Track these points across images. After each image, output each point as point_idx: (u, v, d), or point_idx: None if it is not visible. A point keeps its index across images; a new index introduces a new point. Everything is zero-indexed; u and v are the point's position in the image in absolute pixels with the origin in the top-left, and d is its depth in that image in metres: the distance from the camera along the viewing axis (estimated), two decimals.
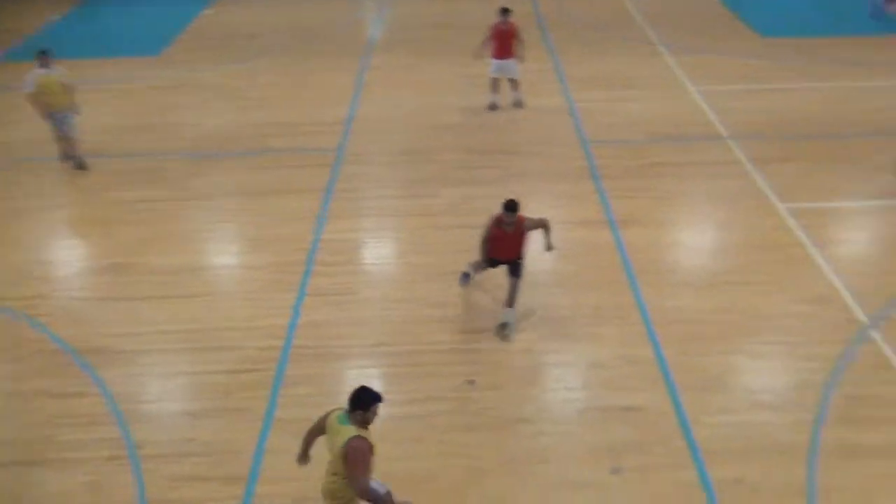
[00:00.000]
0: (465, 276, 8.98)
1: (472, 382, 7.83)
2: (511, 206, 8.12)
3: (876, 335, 8.30)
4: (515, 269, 8.48)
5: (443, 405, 7.55)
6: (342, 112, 13.86)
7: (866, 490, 6.60)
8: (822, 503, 6.49)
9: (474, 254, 9.48)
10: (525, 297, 8.93)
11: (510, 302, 8.47)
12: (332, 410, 5.58)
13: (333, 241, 10.16)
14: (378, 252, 10.10)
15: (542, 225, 8.54)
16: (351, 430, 5.32)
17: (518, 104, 13.85)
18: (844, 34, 17.18)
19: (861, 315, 8.60)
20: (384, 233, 10.48)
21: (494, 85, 13.66)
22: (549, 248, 8.69)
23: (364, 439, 5.32)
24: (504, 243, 8.36)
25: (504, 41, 13.28)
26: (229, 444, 7.20)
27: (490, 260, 8.62)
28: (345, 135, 13.04)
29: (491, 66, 13.51)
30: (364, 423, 5.40)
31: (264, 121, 13.63)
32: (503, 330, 8.46)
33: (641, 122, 13.34)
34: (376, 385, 7.69)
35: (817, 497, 6.54)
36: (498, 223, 8.28)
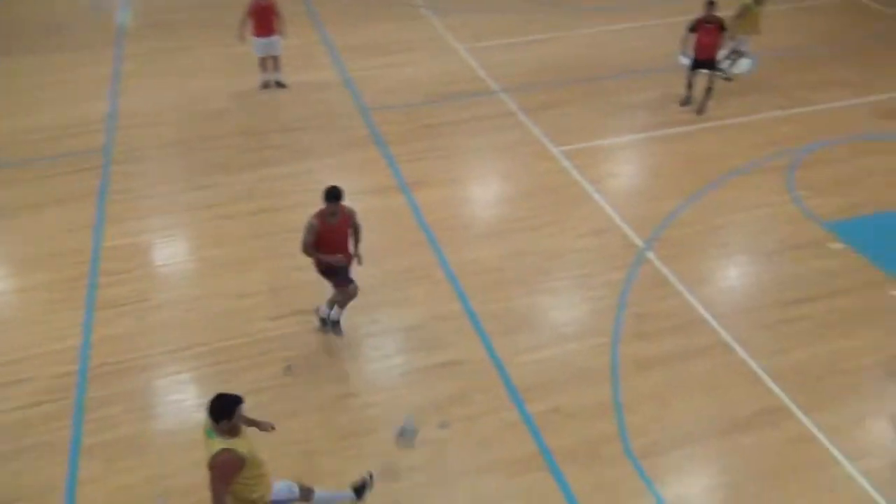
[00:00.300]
0: (324, 322, 8.10)
1: (289, 368, 7.72)
2: (333, 193, 7.16)
3: (651, 256, 9.17)
4: (342, 277, 7.69)
5: (265, 396, 7.38)
6: (102, 108, 12.83)
7: (661, 395, 7.33)
8: (628, 414, 7.13)
9: (274, 238, 9.28)
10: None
11: (342, 302, 7.90)
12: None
13: (116, 247, 9.48)
14: (168, 252, 9.57)
15: (358, 232, 7.66)
16: (217, 444, 5.04)
17: (280, 84, 13.48)
18: None
19: (637, 240, 9.45)
20: (171, 230, 9.94)
21: (263, 63, 13.26)
22: (359, 261, 7.79)
23: (230, 451, 5.03)
24: (333, 237, 7.38)
25: (264, 18, 12.86)
26: (34, 486, 6.59)
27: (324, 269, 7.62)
28: (109, 133, 12.12)
29: (254, 45, 13.08)
30: (232, 432, 5.11)
31: (15, 127, 12.32)
32: (335, 328, 8.08)
33: (417, 84, 13.59)
34: (191, 390, 7.42)
35: (623, 409, 7.17)
36: (321, 217, 7.27)
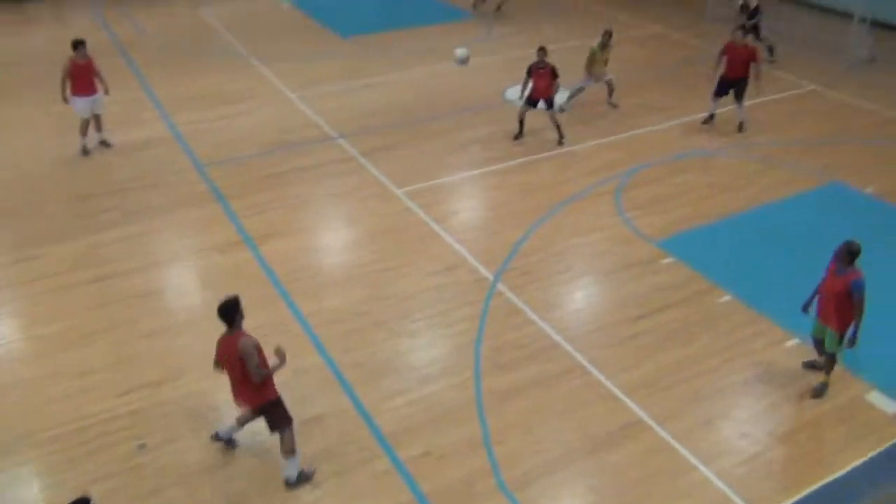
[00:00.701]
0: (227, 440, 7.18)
1: (143, 446, 7.20)
2: (225, 311, 6.35)
3: (502, 287, 9.40)
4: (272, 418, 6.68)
5: (117, 480, 6.83)
6: None
7: (527, 423, 7.47)
8: (497, 447, 7.20)
9: (115, 307, 8.75)
10: (182, 336, 8.46)
11: (288, 450, 6.71)
12: None
13: None
14: None
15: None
16: None
17: (105, 143, 12.78)
18: (412, 26, 18.91)
19: (487, 273, 9.66)
20: None
21: (84, 127, 12.45)
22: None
23: None
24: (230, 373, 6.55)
25: (84, 77, 12.15)
26: None
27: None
28: None
29: (76, 105, 12.31)
30: None
31: None
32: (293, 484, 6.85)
33: (253, 135, 13.31)
34: (34, 484, 6.75)
35: (492, 443, 7.25)
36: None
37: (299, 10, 20.40)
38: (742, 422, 7.52)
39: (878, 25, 17.73)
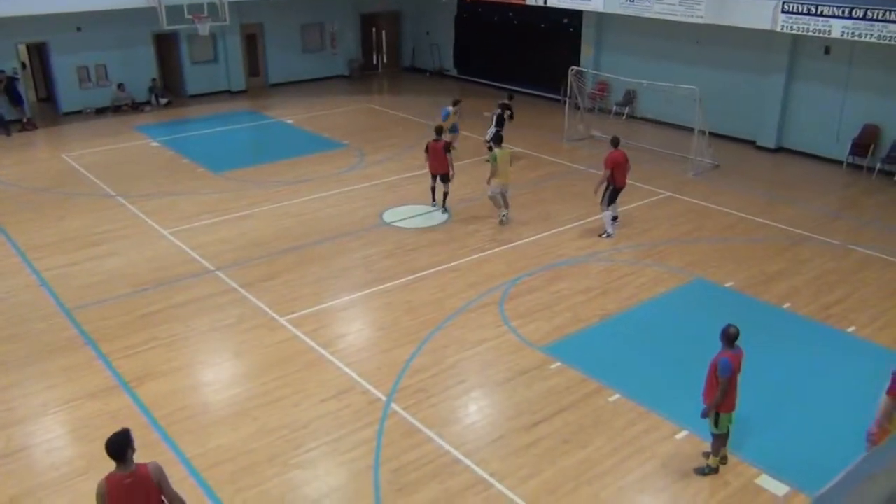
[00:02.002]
0: None
1: None
2: (117, 446, 5.76)
3: (396, 407, 9.26)
4: None
5: None
6: None
7: None
8: None
9: None
10: (52, 499, 7.75)
11: None
12: None
13: None
14: None
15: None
16: None
17: None
18: (285, 158, 19.19)
19: (379, 394, 9.51)
20: None
21: None
22: None
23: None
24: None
25: None
26: None
27: None
28: None
29: None
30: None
31: None
32: None
33: (124, 275, 12.85)
34: None
35: None
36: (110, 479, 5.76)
37: (168, 149, 20.32)
38: None
39: (716, 136, 19.58)
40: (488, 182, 14.64)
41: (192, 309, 11.69)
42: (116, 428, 8.74)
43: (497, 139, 14.85)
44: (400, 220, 15.15)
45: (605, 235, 14.28)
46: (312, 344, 10.65)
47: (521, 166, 18.71)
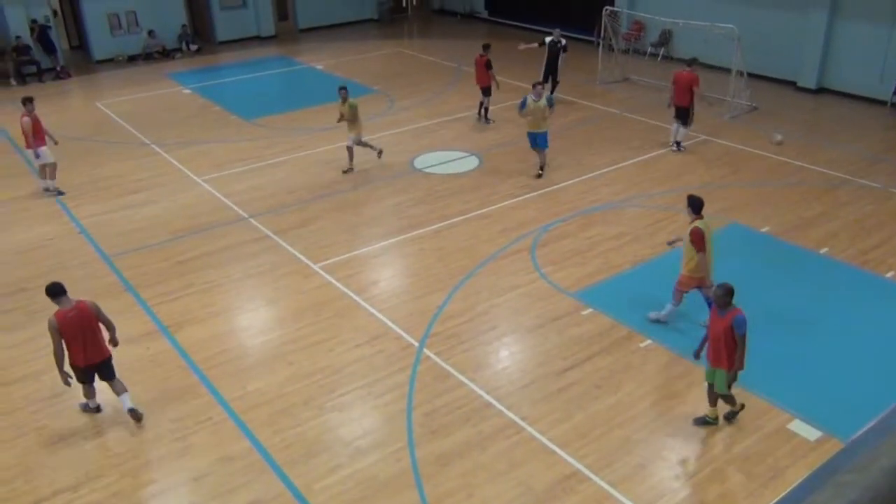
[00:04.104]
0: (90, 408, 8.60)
1: None
2: (53, 292, 7.95)
3: (428, 352, 9.38)
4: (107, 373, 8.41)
5: None
6: None
7: (467, 487, 7.39)
8: None
9: (19, 415, 8.29)
10: (96, 438, 8.04)
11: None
12: None
13: None
14: None
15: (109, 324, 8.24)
16: None
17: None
18: (315, 105, 19.13)
19: (412, 340, 9.63)
20: None
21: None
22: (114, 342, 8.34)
23: None
24: (78, 333, 8.02)
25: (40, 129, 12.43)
26: None
27: None
28: None
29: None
30: None
31: None
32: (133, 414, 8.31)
33: (160, 222, 13.05)
34: None
35: None
36: (59, 315, 7.94)
37: (200, 97, 20.37)
38: (674, 463, 7.64)
39: (755, 77, 19.05)
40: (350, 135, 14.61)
41: (226, 256, 11.87)
42: (155, 371, 9.09)
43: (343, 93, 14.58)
44: (431, 167, 15.11)
45: (674, 147, 15.49)
46: (346, 290, 10.78)
47: (554, 110, 18.44)
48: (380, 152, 15.06)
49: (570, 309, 10.22)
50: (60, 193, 14.24)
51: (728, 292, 7.45)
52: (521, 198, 13.63)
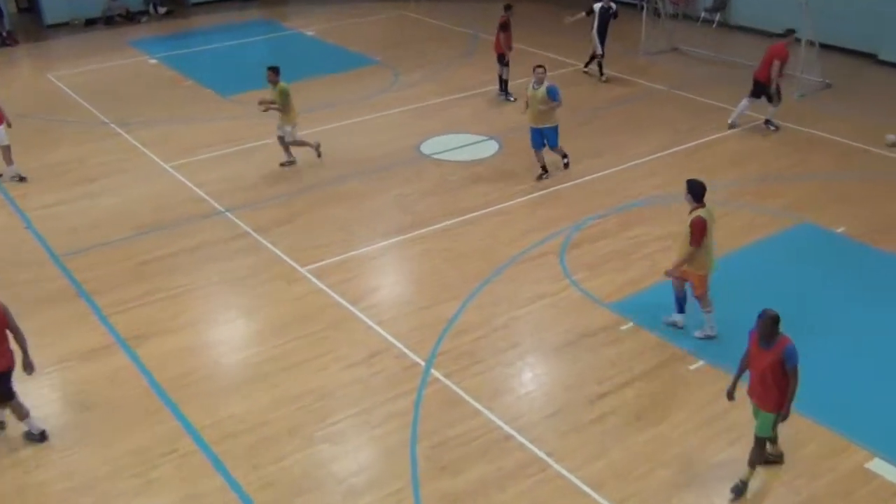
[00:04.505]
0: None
1: None
2: None
3: (437, 374, 9.31)
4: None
5: None
6: None
7: None
8: None
9: None
10: (40, 472, 8.01)
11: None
12: None
13: None
14: None
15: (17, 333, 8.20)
16: None
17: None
18: (306, 78, 19.11)
19: (417, 358, 9.56)
20: None
21: None
22: (28, 368, 8.28)
23: None
24: None
25: None
26: None
27: None
28: None
29: None
30: None
31: None
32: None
33: (121, 216, 13.05)
34: None
35: None
36: None
37: (169, 68, 20.40)
38: None
39: (828, 49, 18.88)
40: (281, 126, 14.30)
41: (198, 256, 11.84)
42: (115, 392, 9.06)
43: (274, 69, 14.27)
44: (441, 153, 15.06)
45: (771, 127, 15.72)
46: (339, 298, 10.73)
47: (587, 85, 18.38)
48: (318, 147, 14.70)
49: (606, 323, 10.12)
50: (22, 179, 14.32)
51: (775, 321, 7.13)
52: (548, 190, 13.55)
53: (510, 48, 17.07)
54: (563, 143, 13.98)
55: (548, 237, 12.08)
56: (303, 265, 11.52)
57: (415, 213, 12.91)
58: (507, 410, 8.75)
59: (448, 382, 9.17)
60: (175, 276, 11.38)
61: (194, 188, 13.88)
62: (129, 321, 10.38)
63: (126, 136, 16.15)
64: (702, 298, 9.61)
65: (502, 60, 17.19)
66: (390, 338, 9.94)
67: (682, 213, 12.59)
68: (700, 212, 9.21)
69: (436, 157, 14.92)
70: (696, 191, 9.26)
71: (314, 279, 11.19)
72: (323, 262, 11.58)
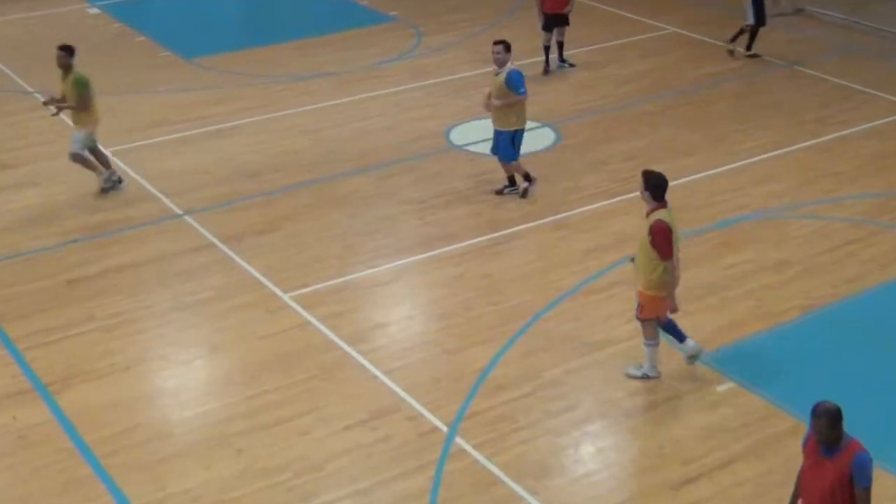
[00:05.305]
0: None
1: None
2: None
3: (464, 443, 9.26)
4: None
5: None
6: None
7: None
8: None
9: None
10: None
11: None
12: None
13: None
14: None
15: None
16: None
17: None
18: (294, 39, 19.22)
19: (436, 421, 9.50)
20: None
21: None
22: None
23: None
24: None
25: None
26: None
27: None
28: None
29: None
30: None
31: None
32: None
33: (46, 217, 13.17)
34: None
35: None
36: None
37: (115, 20, 20.57)
38: None
39: None
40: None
41: (146, 273, 11.91)
42: (25, 454, 9.07)
43: None
44: (476, 143, 15.07)
45: None
46: (332, 336, 10.73)
47: (666, 60, 18.31)
48: (112, 179, 13.86)
49: (696, 381, 10.05)
50: None
51: (835, 417, 6.78)
52: (619, 197, 13.52)
53: (570, 2, 17.06)
54: (636, 135, 13.91)
55: (619, 261, 12.02)
56: (286, 290, 11.54)
57: (438, 224, 12.91)
58: (559, 495, 8.69)
59: (479, 456, 9.12)
60: (113, 299, 11.43)
61: (143, 182, 13.97)
62: (49, 359, 10.41)
63: (52, 109, 16.26)
64: (646, 325, 9.78)
65: (560, 20, 17.18)
66: (401, 392, 9.91)
67: (801, 234, 12.59)
68: (660, 213, 9.43)
69: (469, 148, 14.92)
70: (655, 185, 9.50)
71: (300, 309, 11.20)
72: (312, 287, 11.60)
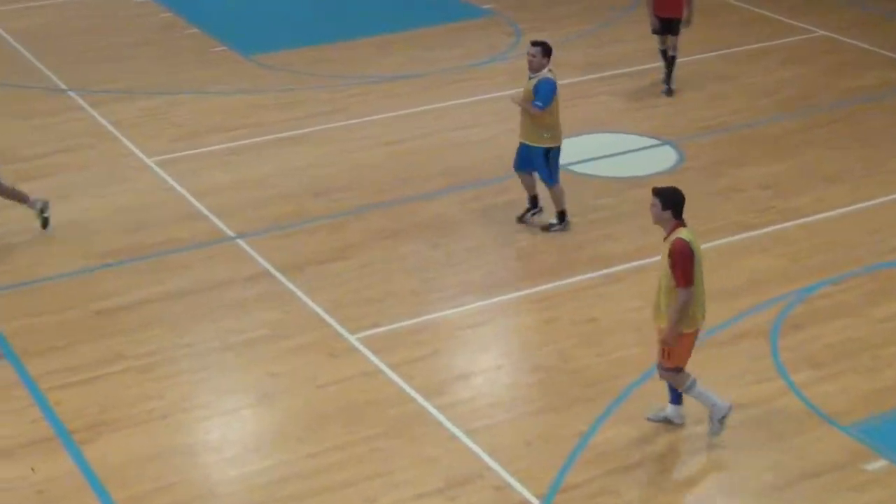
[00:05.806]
0: None
1: None
2: None
3: None
4: None
5: None
6: None
7: None
8: None
9: None
10: None
11: None
12: None
13: None
14: None
15: None
16: None
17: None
18: (362, 35, 19.38)
19: (527, 493, 9.42)
20: None
21: None
22: None
23: None
24: None
25: None
26: None
27: None
28: None
29: None
30: None
31: None
32: None
33: (75, 237, 13.35)
34: None
35: None
36: None
37: (163, 9, 20.88)
38: None
39: None
40: None
41: (189, 305, 12.03)
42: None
43: None
44: (583, 162, 15.07)
45: None
46: (406, 387, 10.73)
47: (811, 69, 18.13)
48: (41, 209, 13.55)
49: (843, 456, 9.87)
50: None
51: None
52: (755, 231, 13.41)
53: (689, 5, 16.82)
54: (773, 158, 13.71)
55: (752, 309, 11.91)
56: (352, 330, 11.58)
57: (536, 258, 12.89)
58: None
59: None
60: (149, 334, 11.56)
61: (189, 197, 14.12)
62: (74, 402, 10.54)
63: (90, 110, 16.55)
64: (676, 372, 9.73)
65: (673, 26, 16.87)
66: (485, 456, 9.86)
67: None
68: (682, 232, 9.35)
69: (573, 168, 14.87)
70: (673, 202, 9.42)
71: (369, 353, 11.22)
72: (384, 328, 11.63)
